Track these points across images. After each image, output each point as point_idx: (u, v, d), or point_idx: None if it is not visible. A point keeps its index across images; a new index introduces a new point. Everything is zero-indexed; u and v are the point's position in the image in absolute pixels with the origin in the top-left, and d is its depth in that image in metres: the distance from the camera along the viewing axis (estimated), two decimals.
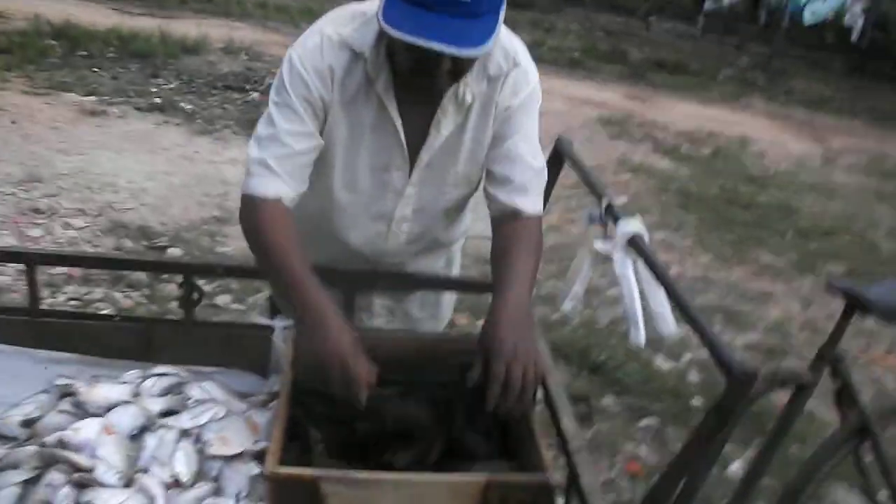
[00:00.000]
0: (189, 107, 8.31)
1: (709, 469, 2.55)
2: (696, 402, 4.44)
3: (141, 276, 4.71)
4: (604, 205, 1.68)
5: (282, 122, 1.92)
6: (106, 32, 10.66)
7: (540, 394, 1.81)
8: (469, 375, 1.70)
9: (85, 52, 10.10)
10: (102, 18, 11.40)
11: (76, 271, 4.73)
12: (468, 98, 1.97)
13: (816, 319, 5.62)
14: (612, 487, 3.74)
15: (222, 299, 4.70)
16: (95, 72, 9.37)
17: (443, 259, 2.37)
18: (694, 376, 4.67)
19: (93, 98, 8.36)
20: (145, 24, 11.30)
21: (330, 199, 2.12)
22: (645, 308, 1.60)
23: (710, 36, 19.42)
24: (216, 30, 11.36)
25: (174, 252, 5.20)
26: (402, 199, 2.10)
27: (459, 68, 1.81)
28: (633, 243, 1.57)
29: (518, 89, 2.00)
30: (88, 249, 5.16)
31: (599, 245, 1.65)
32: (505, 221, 1.98)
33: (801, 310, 5.84)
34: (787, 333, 5.42)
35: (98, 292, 4.63)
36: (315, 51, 1.92)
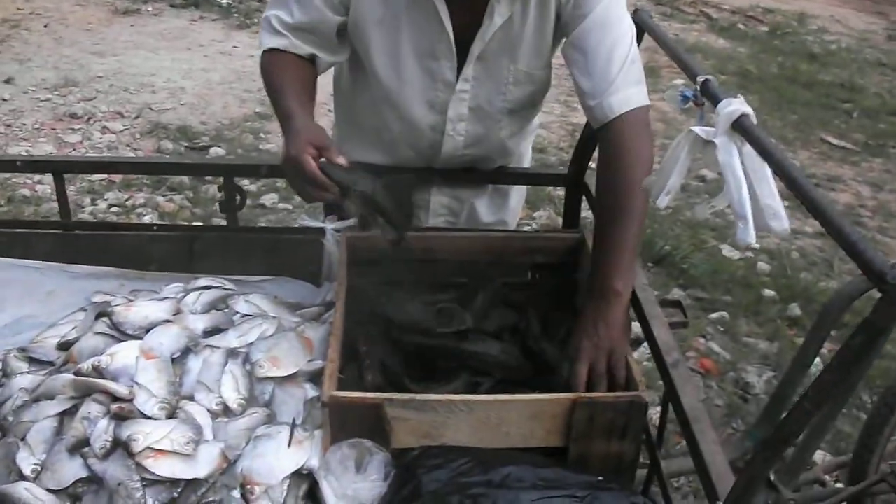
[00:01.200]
0: (225, 1, 8.03)
1: (848, 396, 2.33)
2: (768, 293, 4.21)
3: (183, 178, 4.55)
4: (699, 82, 1.43)
5: None
6: None
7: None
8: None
9: None
10: None
11: (117, 176, 4.58)
12: None
13: (889, 203, 5.34)
14: None
15: (269, 198, 4.54)
16: None
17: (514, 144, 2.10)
18: (764, 265, 4.44)
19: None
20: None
21: (380, 89, 1.90)
22: (752, 200, 1.37)
23: None
24: None
25: (216, 151, 5.04)
26: (454, 94, 1.87)
27: None
28: (739, 125, 1.33)
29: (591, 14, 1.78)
30: (128, 153, 5.02)
31: (699, 129, 1.41)
32: (605, 131, 1.79)
33: (872, 193, 5.56)
34: (859, 219, 5.15)
35: (139, 197, 4.48)
36: None
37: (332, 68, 2.01)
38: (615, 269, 1.61)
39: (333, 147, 1.54)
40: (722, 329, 3.93)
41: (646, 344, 1.63)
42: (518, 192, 2.29)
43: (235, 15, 7.67)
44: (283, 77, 1.78)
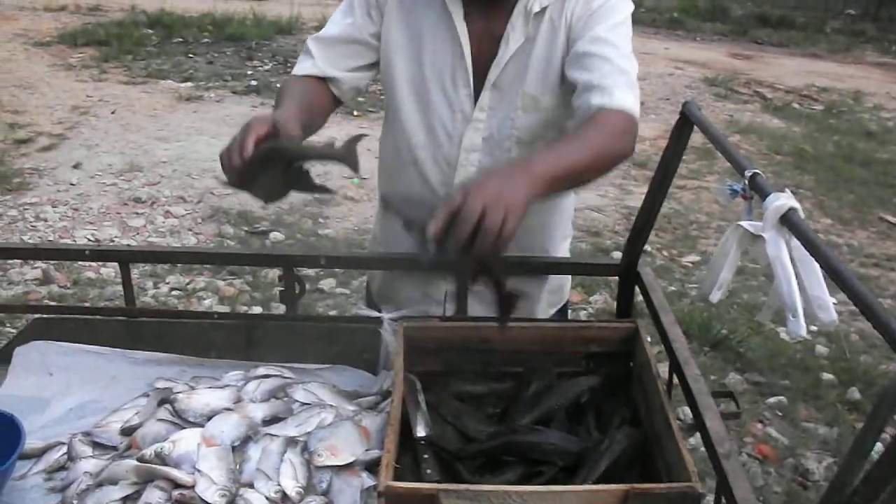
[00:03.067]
0: None
1: None
2: (827, 376, 4.16)
3: None
4: (747, 177, 1.46)
5: (336, 14, 1.98)
6: (200, 18, 10.73)
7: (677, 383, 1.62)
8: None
9: (180, 39, 10.20)
10: (196, 4, 11.48)
11: None
12: (536, 7, 1.84)
13: None
14: None
15: (327, 283, 4.61)
16: (191, 58, 9.43)
17: (535, 216, 2.10)
18: (822, 348, 4.39)
19: (189, 84, 8.40)
20: (238, 7, 11.31)
21: (403, 117, 1.98)
22: (801, 291, 1.39)
23: None
24: (308, 9, 11.29)
25: (276, 236, 5.13)
26: (470, 124, 1.93)
27: None
28: (787, 220, 1.35)
29: (592, 15, 1.83)
30: (189, 237, 5.13)
31: (747, 224, 1.44)
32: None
33: None
34: None
35: (200, 281, 4.58)
36: None
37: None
38: (542, 155, 1.57)
39: (290, 125, 1.60)
40: (780, 414, 3.88)
41: (698, 434, 1.63)
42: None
43: None
44: (289, 92, 1.88)
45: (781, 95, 9.80)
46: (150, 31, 10.63)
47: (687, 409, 1.68)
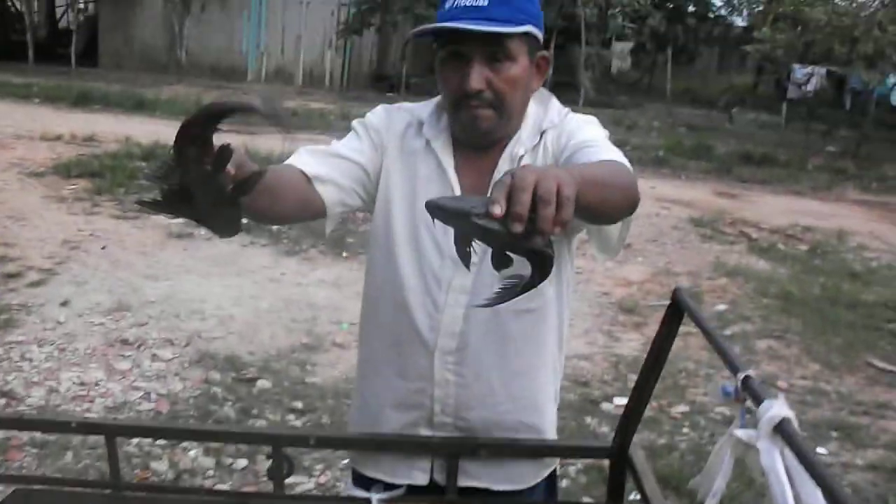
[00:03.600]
0: (275, 227, 8.31)
1: None
2: None
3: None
4: (740, 379, 1.47)
5: (339, 142, 2.02)
6: None
7: None
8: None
9: None
10: None
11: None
12: (521, 150, 1.94)
13: None
14: None
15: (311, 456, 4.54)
16: None
17: (523, 357, 2.05)
18: None
19: (179, 220, 8.44)
20: (231, 141, 11.47)
21: (396, 261, 2.01)
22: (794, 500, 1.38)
23: (794, 125, 19.18)
24: (302, 145, 11.49)
25: (263, 384, 5.10)
26: (459, 268, 1.92)
27: (496, 69, 1.84)
28: (781, 430, 1.35)
29: (572, 133, 1.92)
30: (176, 382, 5.09)
31: (741, 433, 1.44)
32: None
33: None
34: None
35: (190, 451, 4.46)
36: (380, 110, 2.09)
37: None
38: (576, 168, 1.57)
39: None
40: None
41: None
42: None
43: (285, 241, 7.91)
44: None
45: (767, 235, 9.93)
46: (144, 163, 10.76)
47: None
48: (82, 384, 5.04)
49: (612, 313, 6.78)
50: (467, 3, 1.82)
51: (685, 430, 4.96)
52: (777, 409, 1.39)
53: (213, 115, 1.28)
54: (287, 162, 1.91)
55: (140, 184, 9.78)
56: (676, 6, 28.29)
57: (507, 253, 1.36)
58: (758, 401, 1.42)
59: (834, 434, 5.17)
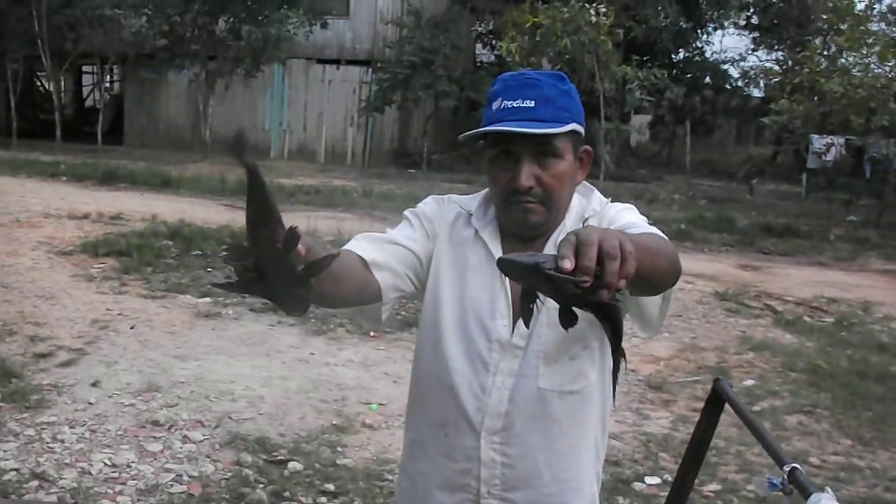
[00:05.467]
0: (332, 310, 8.36)
1: None
2: None
3: None
4: (786, 471, 1.49)
5: (394, 229, 2.12)
6: (219, 230, 11.01)
7: None
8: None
9: (199, 252, 10.43)
10: (215, 216, 11.82)
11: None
12: (563, 237, 1.93)
13: None
14: None
15: None
16: (209, 271, 9.61)
17: (565, 438, 2.07)
18: None
19: (207, 300, 8.54)
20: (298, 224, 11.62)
21: (445, 345, 2.06)
22: None
23: (814, 195, 19.23)
24: (324, 222, 11.64)
25: (294, 466, 5.10)
26: (506, 351, 2.00)
27: (544, 166, 1.93)
28: None
29: (613, 219, 1.99)
30: (207, 464, 5.10)
31: None
32: None
33: None
34: None
35: None
36: (430, 201, 2.18)
37: None
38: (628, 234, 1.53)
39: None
40: None
41: None
42: None
43: (312, 320, 7.96)
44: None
45: (792, 308, 9.91)
46: (170, 242, 10.91)
47: None
48: (114, 466, 5.05)
49: (641, 391, 6.76)
50: (515, 105, 1.91)
51: None
52: (825, 502, 1.41)
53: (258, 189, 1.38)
54: (345, 247, 1.98)
55: (167, 262, 9.90)
56: (693, 78, 28.58)
57: (574, 309, 1.43)
58: (805, 494, 1.45)
59: None
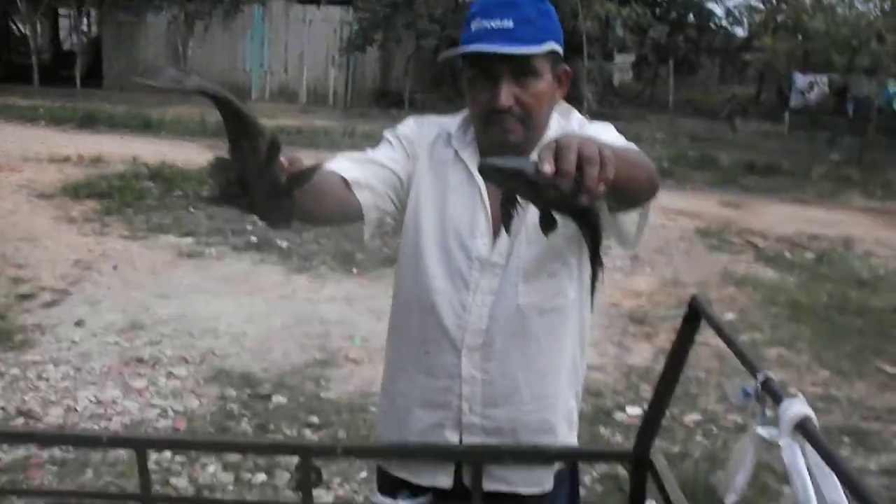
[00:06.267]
0: (284, 244, 8.38)
1: None
2: None
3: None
4: (759, 381, 1.51)
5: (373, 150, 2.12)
6: (200, 171, 10.92)
7: None
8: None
9: (180, 193, 10.37)
10: (196, 156, 11.73)
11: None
12: None
13: None
14: None
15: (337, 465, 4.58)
16: (191, 212, 9.57)
17: (546, 358, 2.10)
18: None
19: (189, 240, 8.52)
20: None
21: (425, 264, 2.08)
22: (818, 497, 1.41)
23: (797, 133, 19.21)
24: (310, 161, 11.53)
25: (278, 400, 5.14)
26: (486, 270, 2.03)
27: (523, 85, 1.92)
28: (802, 428, 1.39)
29: (592, 136, 1.94)
30: (192, 400, 5.13)
31: (763, 431, 1.48)
32: None
33: None
34: None
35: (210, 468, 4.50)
36: (411, 122, 2.19)
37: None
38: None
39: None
40: None
41: None
42: None
43: (295, 258, 7.97)
44: None
45: (773, 244, 9.96)
46: (151, 183, 10.84)
47: None
48: (99, 402, 5.08)
49: (623, 324, 6.81)
50: (494, 26, 1.90)
51: (698, 438, 5.00)
52: (798, 407, 1.43)
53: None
54: (326, 166, 1.97)
55: (149, 204, 9.85)
56: (677, 17, 28.38)
57: (554, 215, 1.45)
58: (778, 400, 1.46)
59: (846, 440, 5.19)
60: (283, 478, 4.17)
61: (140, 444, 2.18)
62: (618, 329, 6.61)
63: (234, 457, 4.41)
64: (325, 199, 1.89)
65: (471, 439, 2.09)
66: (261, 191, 1.40)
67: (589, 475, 4.38)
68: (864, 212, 12.55)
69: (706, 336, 6.48)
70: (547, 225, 1.46)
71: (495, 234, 2.02)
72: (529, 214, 1.94)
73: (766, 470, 4.81)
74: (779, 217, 11.51)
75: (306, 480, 2.09)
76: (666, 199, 11.69)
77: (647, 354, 6.21)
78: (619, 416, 5.13)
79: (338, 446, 2.11)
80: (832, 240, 10.31)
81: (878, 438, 5.24)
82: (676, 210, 11.11)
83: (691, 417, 5.25)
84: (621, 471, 4.02)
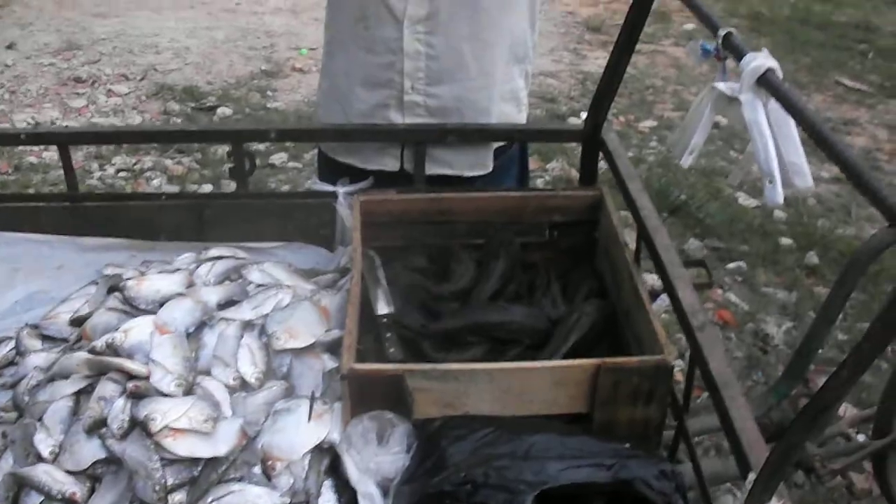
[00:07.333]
0: None
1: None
2: (785, 241, 4.16)
3: None
4: (721, 36, 1.38)
5: None
6: None
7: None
8: None
9: None
10: None
11: None
12: None
13: None
14: None
15: (278, 158, 4.49)
16: None
17: (496, 31, 1.96)
18: (780, 213, 4.38)
19: None
20: None
21: None
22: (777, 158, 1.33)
23: None
24: None
25: (223, 112, 4.99)
26: None
27: None
28: (765, 81, 1.28)
29: None
30: (134, 116, 4.97)
31: (723, 86, 1.36)
32: None
33: (889, 136, 5.46)
34: (876, 162, 5.06)
35: (147, 161, 4.44)
36: None
37: None
38: None
39: None
40: (740, 279, 3.88)
41: (664, 296, 1.59)
42: None
43: None
44: None
45: None
46: None
47: (650, 279, 1.63)
48: (37, 124, 4.90)
49: (579, 32, 6.61)
50: None
51: (653, 143, 4.96)
52: (761, 59, 1.31)
53: None
54: None
55: None
56: None
57: None
58: (740, 55, 1.34)
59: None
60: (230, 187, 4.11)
61: (62, 139, 2.05)
62: (574, 37, 6.41)
63: (179, 169, 4.32)
64: None
65: (414, 120, 1.97)
66: None
67: (541, 178, 4.35)
68: None
69: (663, 45, 6.39)
70: None
71: None
72: None
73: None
74: None
75: (240, 167, 1.98)
76: None
77: (601, 62, 6.02)
78: (573, 121, 5.03)
79: (271, 130, 1.99)
80: None
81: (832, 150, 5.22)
82: None
83: (647, 124, 5.19)
84: (574, 174, 3.98)
